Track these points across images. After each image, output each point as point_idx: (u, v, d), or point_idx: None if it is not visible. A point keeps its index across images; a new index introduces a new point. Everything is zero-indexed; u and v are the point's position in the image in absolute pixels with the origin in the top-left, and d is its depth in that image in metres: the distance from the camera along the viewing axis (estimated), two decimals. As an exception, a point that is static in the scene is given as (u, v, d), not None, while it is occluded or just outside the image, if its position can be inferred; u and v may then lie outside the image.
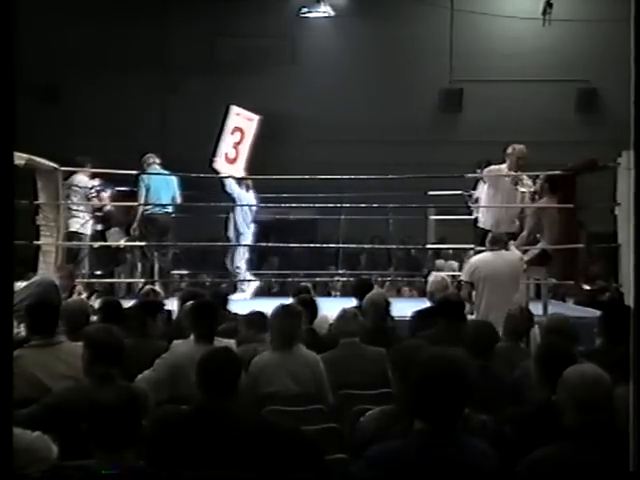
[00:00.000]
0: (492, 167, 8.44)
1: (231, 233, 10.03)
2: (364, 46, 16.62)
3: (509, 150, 8.23)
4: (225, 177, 9.89)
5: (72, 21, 15.81)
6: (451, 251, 13.47)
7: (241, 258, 10.06)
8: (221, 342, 4.62)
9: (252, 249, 10.52)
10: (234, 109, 10.22)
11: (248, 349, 4.93)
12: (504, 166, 8.29)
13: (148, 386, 4.27)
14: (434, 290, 6.86)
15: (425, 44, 16.51)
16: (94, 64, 15.86)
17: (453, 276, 8.79)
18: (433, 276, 7.33)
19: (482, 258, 7.01)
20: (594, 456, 2.72)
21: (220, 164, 9.99)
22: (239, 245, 10.00)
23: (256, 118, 10.11)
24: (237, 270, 9.96)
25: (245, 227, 10.04)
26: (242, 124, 10.09)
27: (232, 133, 10.05)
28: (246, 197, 10.07)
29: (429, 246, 13.66)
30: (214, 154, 9.97)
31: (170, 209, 9.67)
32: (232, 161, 10.02)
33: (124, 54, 16.02)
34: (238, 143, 9.99)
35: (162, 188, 9.47)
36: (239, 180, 9.95)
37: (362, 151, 15.41)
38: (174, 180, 9.71)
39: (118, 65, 15.98)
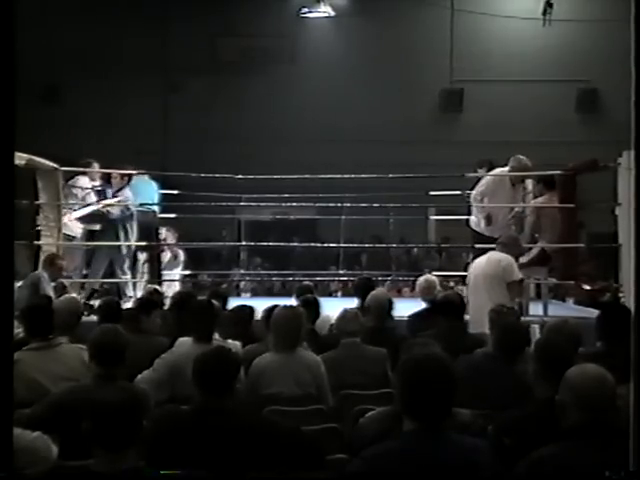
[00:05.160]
0: (496, 171, 8.43)
1: (131, 237, 9.01)
2: (364, 46, 16.62)
3: (512, 163, 8.28)
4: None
5: (72, 21, 15.84)
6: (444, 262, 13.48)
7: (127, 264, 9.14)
8: (226, 343, 4.59)
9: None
10: None
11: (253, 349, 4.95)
12: (506, 169, 8.33)
13: (148, 386, 4.27)
14: (422, 291, 6.99)
15: (425, 44, 16.53)
16: (94, 64, 15.87)
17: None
18: (421, 278, 7.35)
19: (477, 259, 7.04)
20: (597, 456, 2.72)
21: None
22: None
23: None
24: (124, 277, 9.01)
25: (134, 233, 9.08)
26: None
27: None
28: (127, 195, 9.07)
29: (429, 245, 13.64)
30: None
31: (155, 208, 9.62)
32: None
33: (124, 54, 16.03)
34: None
35: (142, 186, 9.42)
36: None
37: (362, 151, 15.41)
38: (152, 183, 9.69)
39: (118, 65, 15.99)
